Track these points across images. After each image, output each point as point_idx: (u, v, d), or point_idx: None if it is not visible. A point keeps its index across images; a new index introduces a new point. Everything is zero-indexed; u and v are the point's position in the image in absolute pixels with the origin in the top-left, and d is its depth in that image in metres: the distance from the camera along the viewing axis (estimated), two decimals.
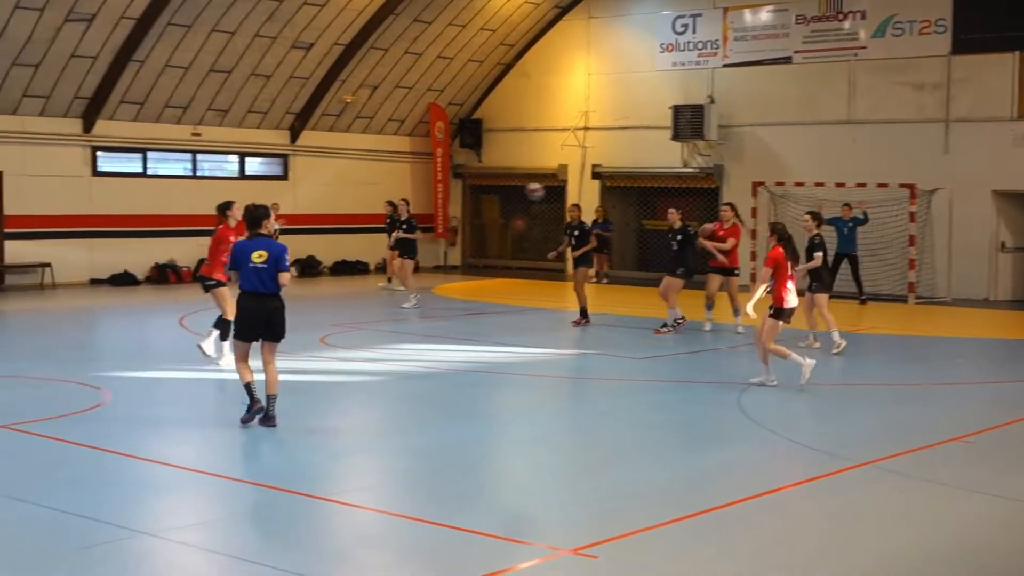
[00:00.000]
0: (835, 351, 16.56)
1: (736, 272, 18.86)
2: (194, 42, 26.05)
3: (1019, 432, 11.71)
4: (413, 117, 32.59)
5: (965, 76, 25.34)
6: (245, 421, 11.23)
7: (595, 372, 15.65)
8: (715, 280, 18.75)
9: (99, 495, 8.78)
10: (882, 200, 25.62)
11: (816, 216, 17.31)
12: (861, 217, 24.57)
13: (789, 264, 13.75)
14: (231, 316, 13.50)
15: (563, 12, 31.25)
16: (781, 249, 13.76)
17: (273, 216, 26.95)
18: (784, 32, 27.59)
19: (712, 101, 28.30)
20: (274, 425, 11.18)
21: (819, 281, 17.00)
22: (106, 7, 23.91)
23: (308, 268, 30.07)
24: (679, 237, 18.77)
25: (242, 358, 11.44)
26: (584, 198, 31.04)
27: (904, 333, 20.18)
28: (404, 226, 22.39)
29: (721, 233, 18.70)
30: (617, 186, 31.09)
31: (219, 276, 14.68)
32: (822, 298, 16.96)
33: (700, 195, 29.26)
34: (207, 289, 14.91)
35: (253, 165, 29.89)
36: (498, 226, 34.00)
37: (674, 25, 29.32)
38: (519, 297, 21.39)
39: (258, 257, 11.19)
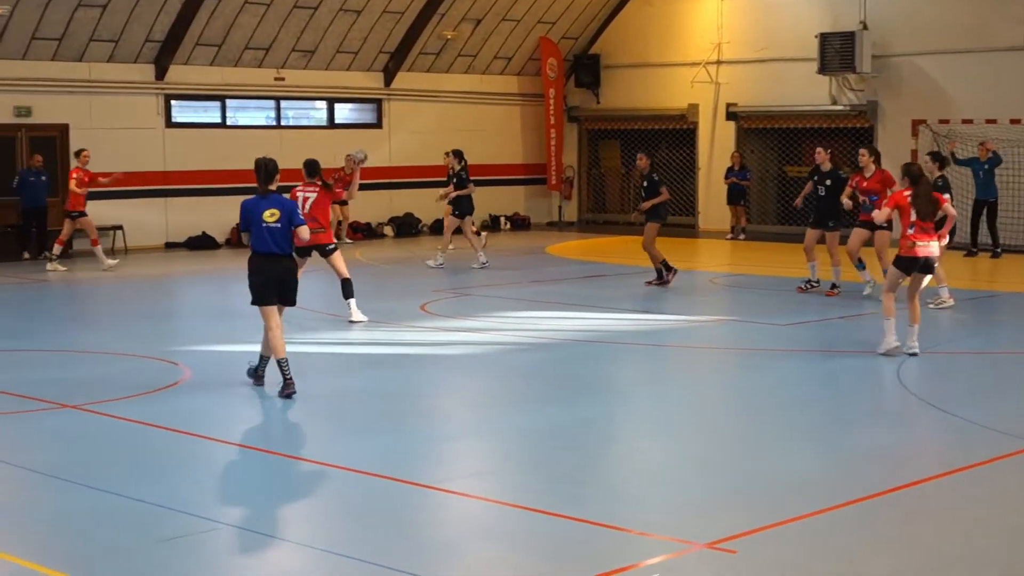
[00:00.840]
0: (934, 306, 16.86)
1: (884, 226, 18.14)
2: None
3: None
4: (522, 54, 32.55)
5: None
6: (284, 396, 11.67)
7: (731, 341, 15.56)
8: (858, 236, 18.13)
9: (180, 482, 8.99)
10: None
11: (937, 157, 17.51)
12: (992, 156, 24.02)
13: (913, 211, 13.46)
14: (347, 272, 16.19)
15: None
16: (907, 193, 13.52)
17: (349, 167, 27.83)
18: None
19: (865, 27, 27.78)
20: (262, 384, 11.98)
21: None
22: None
23: (406, 227, 30.28)
24: (827, 182, 18.40)
25: (273, 325, 11.71)
26: (717, 142, 30.82)
27: None
28: (455, 180, 22.65)
29: (866, 185, 17.73)
30: (755, 128, 30.75)
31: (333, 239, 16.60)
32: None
33: (851, 136, 28.78)
34: (328, 255, 16.15)
35: (343, 112, 30.16)
36: (619, 176, 33.85)
37: None
38: (643, 257, 21.27)
39: (270, 216, 11.61)
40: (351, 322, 16.09)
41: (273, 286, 11.69)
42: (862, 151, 18.15)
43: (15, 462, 9.49)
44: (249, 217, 11.67)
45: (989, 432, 10.35)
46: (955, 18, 26.91)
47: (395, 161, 30.20)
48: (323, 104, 29.71)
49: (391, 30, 29.36)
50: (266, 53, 27.90)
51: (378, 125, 30.40)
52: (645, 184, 19.88)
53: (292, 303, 11.95)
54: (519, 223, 32.66)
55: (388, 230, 30.07)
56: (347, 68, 29.53)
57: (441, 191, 23.30)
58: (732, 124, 30.74)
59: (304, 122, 29.60)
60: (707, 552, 7.40)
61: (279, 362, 11.61)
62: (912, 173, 13.74)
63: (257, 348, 12.16)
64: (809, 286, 18.73)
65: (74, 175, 22.54)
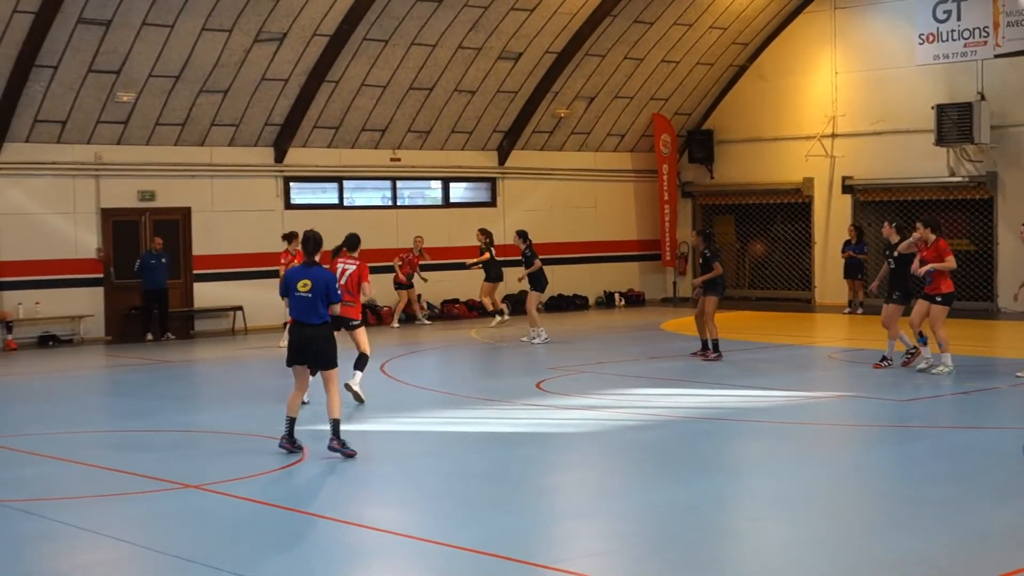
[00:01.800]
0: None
1: (938, 300, 17.74)
2: (392, 58, 26.76)
3: None
4: (635, 130, 32.68)
5: None
6: (282, 446, 12.73)
7: (850, 417, 15.34)
8: (920, 307, 18.12)
9: (299, 563, 9.04)
10: None
11: None
12: None
13: None
14: (368, 349, 16.27)
15: (804, 4, 30.96)
16: None
17: (418, 248, 28.67)
18: None
19: (983, 98, 27.49)
20: (348, 452, 12.40)
21: None
22: (297, 24, 24.82)
23: (520, 305, 30.30)
24: (894, 255, 18.48)
25: (295, 386, 12.79)
26: (833, 215, 30.59)
27: None
28: (523, 260, 23.43)
29: (924, 255, 17.84)
30: (872, 201, 30.48)
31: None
32: None
33: (970, 208, 28.44)
34: (352, 329, 16.22)
35: (458, 191, 30.47)
36: (734, 251, 33.68)
37: (935, 12, 28.66)
38: (760, 332, 21.14)
39: (303, 286, 12.43)
40: (346, 385, 15.74)
41: (297, 351, 12.55)
42: (917, 224, 18.19)
43: (139, 542, 9.61)
44: (289, 285, 12.53)
45: None
46: None
47: (510, 239, 30.31)
48: (438, 184, 30.05)
49: (505, 109, 29.67)
50: (382, 134, 28.33)
51: (492, 203, 30.65)
52: (701, 261, 20.64)
53: (319, 367, 12.56)
54: (633, 299, 32.61)
55: (503, 308, 30.15)
56: (462, 148, 29.87)
57: (468, 261, 25.60)
58: (848, 197, 30.52)
59: (419, 201, 29.96)
60: None
61: (289, 419, 12.57)
62: None
63: (367, 427, 12.30)
64: (911, 356, 18.55)
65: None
